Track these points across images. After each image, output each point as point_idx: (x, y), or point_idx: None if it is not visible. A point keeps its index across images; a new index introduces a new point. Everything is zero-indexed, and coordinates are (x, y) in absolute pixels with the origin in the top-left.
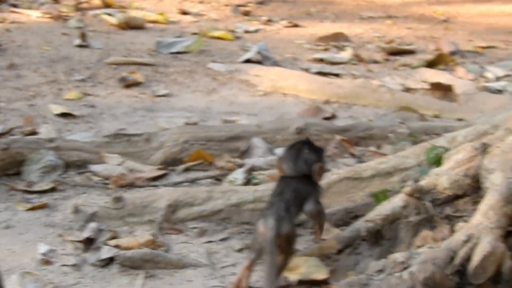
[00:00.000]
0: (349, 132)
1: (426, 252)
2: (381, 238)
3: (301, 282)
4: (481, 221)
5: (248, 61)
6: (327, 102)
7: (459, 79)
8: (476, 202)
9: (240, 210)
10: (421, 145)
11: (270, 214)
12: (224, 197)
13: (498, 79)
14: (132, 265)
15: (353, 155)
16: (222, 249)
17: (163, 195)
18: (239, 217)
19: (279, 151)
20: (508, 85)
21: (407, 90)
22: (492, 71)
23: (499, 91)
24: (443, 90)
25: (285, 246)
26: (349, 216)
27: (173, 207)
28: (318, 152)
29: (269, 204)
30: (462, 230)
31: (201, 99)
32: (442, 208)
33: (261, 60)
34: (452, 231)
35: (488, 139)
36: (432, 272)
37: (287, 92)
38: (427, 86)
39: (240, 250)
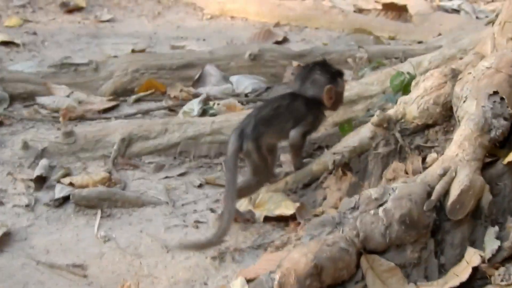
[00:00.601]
0: (305, 57)
1: (401, 187)
2: (349, 171)
3: (267, 218)
4: (456, 152)
5: None
6: (277, 25)
7: None
8: (447, 132)
9: (197, 143)
10: (385, 71)
11: (235, 130)
12: (180, 129)
13: None
14: (88, 204)
15: None
16: (181, 185)
17: (116, 129)
18: (196, 150)
19: (234, 78)
20: (464, 4)
21: (360, 11)
22: None
23: (455, 11)
24: (397, 10)
25: (251, 164)
26: (313, 148)
27: (127, 141)
28: (332, 75)
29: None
30: (437, 162)
31: (147, 24)
32: (411, 138)
33: None
34: (424, 162)
35: (457, 65)
36: (409, 209)
37: (236, 15)
38: (379, 7)
39: (200, 186)
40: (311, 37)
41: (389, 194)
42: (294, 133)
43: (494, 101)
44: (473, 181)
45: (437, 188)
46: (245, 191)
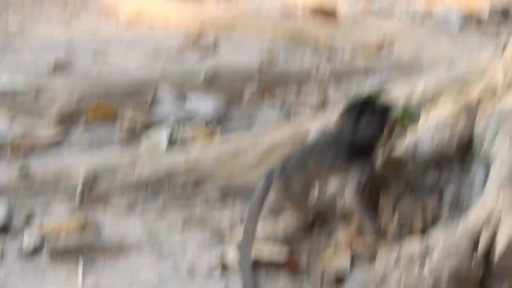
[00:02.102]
0: (262, 74)
1: (445, 241)
2: None
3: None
4: (496, 198)
5: None
6: (202, 33)
7: None
8: (463, 171)
9: (170, 181)
10: None
11: (263, 176)
12: (151, 165)
13: None
14: (66, 254)
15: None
16: (163, 225)
17: (77, 164)
18: (170, 186)
19: (192, 100)
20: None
21: (287, 14)
22: None
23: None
24: (326, 14)
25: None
26: None
27: (92, 178)
28: (383, 116)
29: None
30: (477, 209)
31: (60, 32)
32: (424, 176)
33: None
34: (441, 203)
35: (467, 99)
36: (457, 266)
37: (154, 21)
38: (307, 11)
39: (184, 225)
40: (243, 46)
41: (433, 248)
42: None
43: None
44: None
45: (482, 241)
46: None
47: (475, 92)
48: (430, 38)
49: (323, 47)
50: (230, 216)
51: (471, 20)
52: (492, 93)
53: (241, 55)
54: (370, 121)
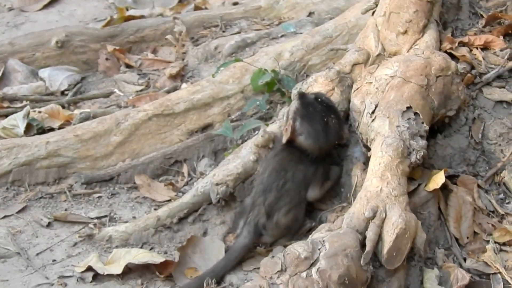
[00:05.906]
0: (117, 37)
1: (331, 240)
2: (233, 200)
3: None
4: (380, 186)
5: None
6: None
7: None
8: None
9: (32, 169)
10: (239, 66)
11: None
12: (10, 155)
13: None
14: None
15: (130, 67)
16: (26, 226)
17: None
18: (32, 177)
19: (45, 73)
20: None
21: None
22: None
23: None
24: None
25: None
26: (169, 163)
27: None
28: (336, 108)
29: (251, 203)
30: (361, 201)
31: None
32: None
33: None
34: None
35: (340, 65)
36: (347, 267)
37: None
38: None
39: (49, 225)
40: None
41: (319, 250)
42: (312, 193)
43: (409, 118)
44: (407, 221)
45: (370, 236)
46: None
47: (347, 60)
48: None
49: None
50: (97, 210)
51: None
52: (365, 58)
53: (87, 7)
54: (334, 125)
